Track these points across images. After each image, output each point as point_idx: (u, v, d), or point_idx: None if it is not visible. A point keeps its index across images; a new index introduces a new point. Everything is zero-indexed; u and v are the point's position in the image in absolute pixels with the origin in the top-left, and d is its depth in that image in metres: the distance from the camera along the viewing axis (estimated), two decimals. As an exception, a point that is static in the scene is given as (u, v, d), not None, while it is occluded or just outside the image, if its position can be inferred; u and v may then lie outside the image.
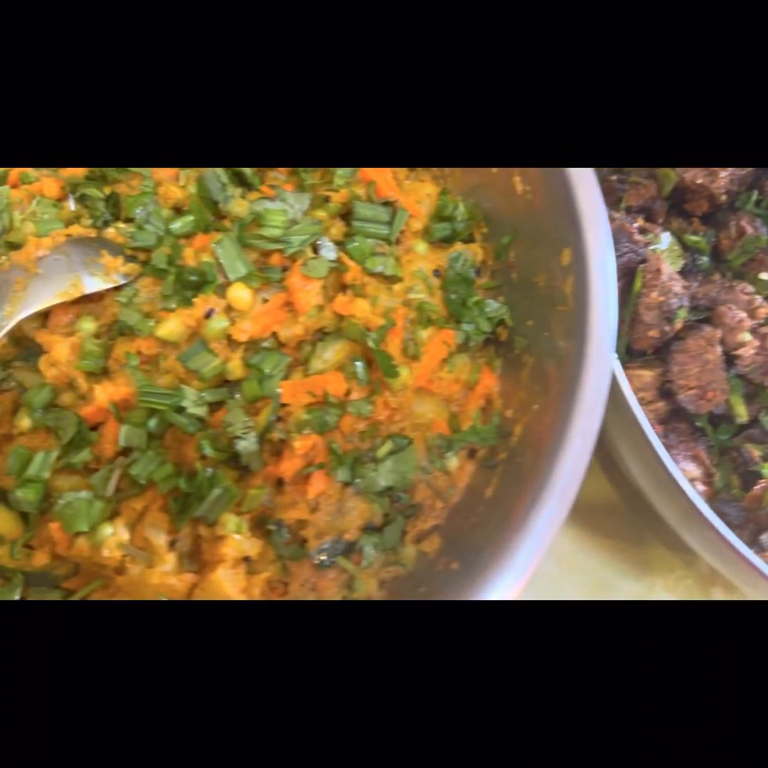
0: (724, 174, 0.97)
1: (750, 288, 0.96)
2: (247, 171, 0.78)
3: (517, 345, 0.79)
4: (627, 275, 0.90)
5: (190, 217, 0.76)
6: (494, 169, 0.82)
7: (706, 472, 0.91)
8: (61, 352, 0.70)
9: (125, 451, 0.69)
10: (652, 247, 0.94)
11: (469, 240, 0.86)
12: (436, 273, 0.81)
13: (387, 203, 0.81)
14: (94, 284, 0.72)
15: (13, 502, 0.67)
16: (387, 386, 0.74)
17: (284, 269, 0.75)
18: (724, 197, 0.98)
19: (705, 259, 0.99)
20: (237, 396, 0.71)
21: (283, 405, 0.71)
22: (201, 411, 0.70)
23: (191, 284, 0.73)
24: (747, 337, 0.91)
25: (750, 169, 0.99)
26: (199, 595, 0.66)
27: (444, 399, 0.79)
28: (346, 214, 0.81)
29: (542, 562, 0.61)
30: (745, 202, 1.01)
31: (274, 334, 0.74)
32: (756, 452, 0.91)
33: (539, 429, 0.70)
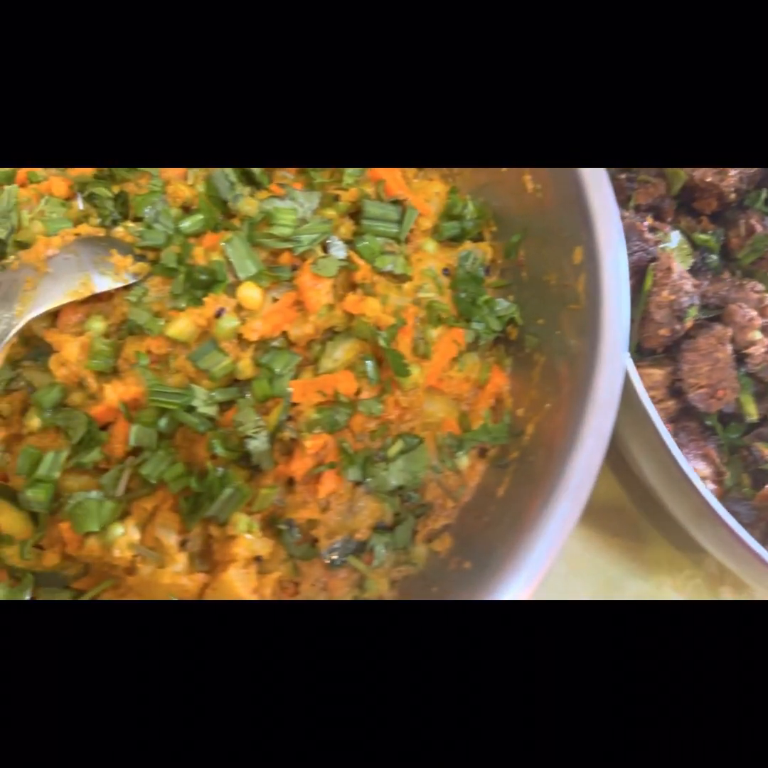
0: (733, 172, 0.97)
1: (760, 286, 0.96)
2: (256, 170, 0.78)
3: (528, 344, 0.79)
4: (637, 274, 0.90)
5: (200, 216, 0.76)
6: (504, 168, 0.82)
7: (717, 471, 0.90)
8: (70, 351, 0.70)
9: (135, 451, 0.69)
10: (662, 246, 0.93)
11: (478, 238, 0.85)
12: (446, 272, 0.81)
13: (396, 202, 0.81)
14: (104, 283, 0.71)
15: (24, 503, 0.67)
16: (397, 385, 0.74)
17: (294, 268, 0.75)
18: (733, 196, 0.98)
19: (714, 258, 0.99)
20: (247, 395, 0.71)
21: (294, 404, 0.71)
22: (211, 410, 0.70)
23: (201, 283, 0.72)
24: (757, 335, 0.91)
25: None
26: (210, 595, 0.66)
27: (454, 398, 0.79)
28: (355, 213, 0.81)
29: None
30: (754, 201, 1.00)
31: (285, 333, 0.74)
32: (766, 451, 0.91)
33: (551, 428, 0.69)
